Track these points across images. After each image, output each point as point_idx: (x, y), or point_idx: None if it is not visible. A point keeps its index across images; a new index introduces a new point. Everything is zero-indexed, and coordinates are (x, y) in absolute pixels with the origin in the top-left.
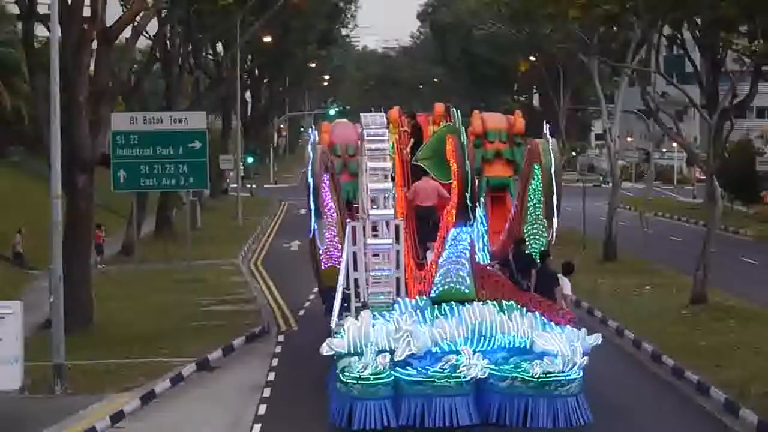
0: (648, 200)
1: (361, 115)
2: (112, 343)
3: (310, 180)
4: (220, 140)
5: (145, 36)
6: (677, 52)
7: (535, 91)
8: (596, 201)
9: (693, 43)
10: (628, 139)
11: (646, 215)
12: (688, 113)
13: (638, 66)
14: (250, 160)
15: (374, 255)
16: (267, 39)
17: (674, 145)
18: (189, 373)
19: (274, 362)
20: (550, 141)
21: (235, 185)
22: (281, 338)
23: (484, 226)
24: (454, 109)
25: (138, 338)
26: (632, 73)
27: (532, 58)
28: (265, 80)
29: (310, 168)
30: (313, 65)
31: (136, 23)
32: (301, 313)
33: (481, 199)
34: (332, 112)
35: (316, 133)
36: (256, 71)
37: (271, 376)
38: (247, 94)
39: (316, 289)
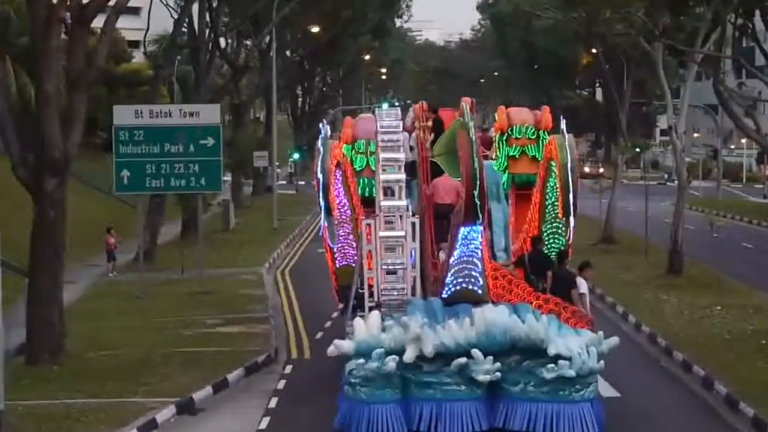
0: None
1: (376, 109)
2: (84, 376)
3: (320, 176)
4: (263, 135)
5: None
6: (746, 45)
7: (597, 84)
8: (661, 200)
9: (765, 33)
10: (695, 135)
11: (718, 224)
12: (757, 108)
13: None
14: (296, 156)
15: (387, 249)
16: (315, 29)
17: (743, 141)
18: (165, 419)
19: (273, 402)
20: (567, 136)
21: (283, 182)
22: (288, 369)
23: (506, 225)
24: (463, 103)
25: (118, 370)
26: (701, 60)
27: (594, 50)
28: (318, 72)
29: (319, 164)
30: (368, 57)
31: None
32: (319, 335)
33: (497, 196)
34: (385, 105)
35: (328, 127)
36: (306, 63)
37: (265, 423)
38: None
39: (341, 306)
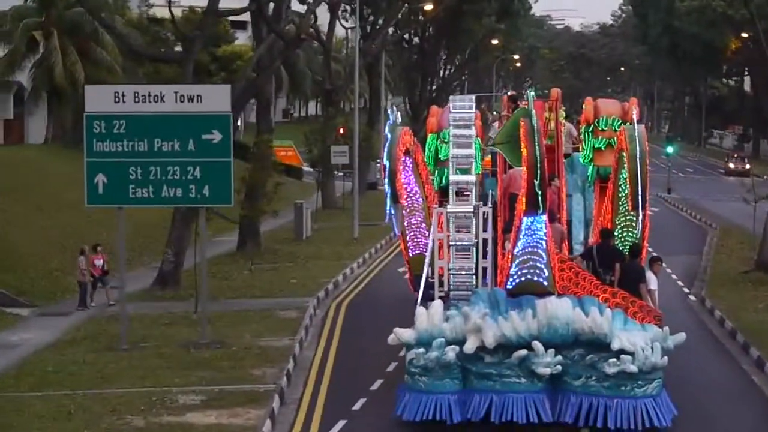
0: None
1: (451, 97)
2: None
3: (386, 163)
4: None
5: None
6: None
7: (746, 73)
8: None
9: None
10: None
11: None
12: None
13: None
14: None
15: (457, 226)
16: (428, 6)
17: None
18: None
19: None
20: (637, 127)
21: (380, 176)
22: None
23: (587, 217)
24: (530, 92)
25: None
26: None
27: (744, 34)
28: (440, 56)
29: (386, 151)
30: (495, 42)
31: None
32: (338, 427)
33: (591, 188)
34: (510, 93)
35: (398, 114)
36: (426, 45)
37: None
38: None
39: (391, 367)
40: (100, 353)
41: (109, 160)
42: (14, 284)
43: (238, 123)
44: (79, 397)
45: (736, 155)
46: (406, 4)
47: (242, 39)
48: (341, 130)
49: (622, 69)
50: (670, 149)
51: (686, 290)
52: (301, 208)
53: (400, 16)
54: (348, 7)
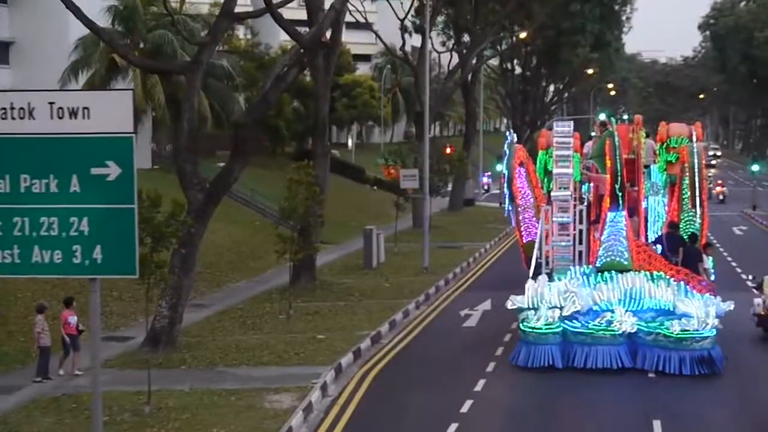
0: None
1: (554, 122)
2: None
3: (505, 171)
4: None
5: None
6: None
7: None
8: None
9: None
10: None
11: None
12: None
13: None
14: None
15: (559, 209)
16: (523, 35)
17: None
18: None
19: None
20: (695, 145)
21: (497, 191)
22: None
23: (662, 214)
24: (612, 119)
25: None
26: None
27: None
28: (542, 83)
29: (505, 162)
30: (590, 71)
31: None
32: None
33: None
34: (602, 116)
35: (515, 135)
36: (528, 73)
37: None
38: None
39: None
40: None
41: None
42: None
43: (349, 143)
44: None
45: None
46: (504, 34)
47: (363, 69)
48: (448, 150)
49: (702, 96)
50: (755, 167)
51: None
52: (371, 235)
53: (505, 46)
54: (446, 34)
